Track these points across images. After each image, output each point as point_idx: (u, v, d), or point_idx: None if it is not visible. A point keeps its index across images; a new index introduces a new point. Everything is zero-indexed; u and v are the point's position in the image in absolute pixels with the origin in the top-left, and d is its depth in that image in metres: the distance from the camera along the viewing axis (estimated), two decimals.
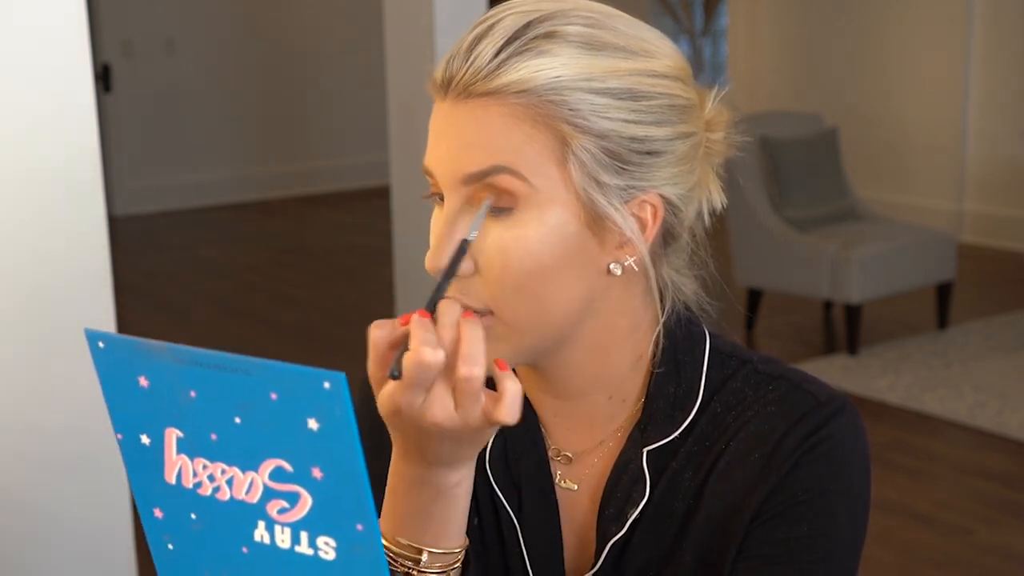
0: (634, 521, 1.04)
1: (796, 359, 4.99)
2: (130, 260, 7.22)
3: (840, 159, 5.64)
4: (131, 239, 7.90)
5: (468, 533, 1.07)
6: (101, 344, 0.83)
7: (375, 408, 1.03)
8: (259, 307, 6.36)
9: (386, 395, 0.88)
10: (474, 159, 0.94)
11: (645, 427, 1.04)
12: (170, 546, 0.87)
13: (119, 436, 0.86)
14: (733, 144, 1.05)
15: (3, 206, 2.30)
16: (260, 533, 0.82)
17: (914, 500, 3.89)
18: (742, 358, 1.06)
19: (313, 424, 0.77)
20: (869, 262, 5.13)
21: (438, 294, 0.89)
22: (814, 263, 5.21)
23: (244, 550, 0.84)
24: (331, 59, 9.31)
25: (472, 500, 1.08)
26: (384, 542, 0.95)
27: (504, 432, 1.09)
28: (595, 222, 0.96)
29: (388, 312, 5.19)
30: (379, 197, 8.41)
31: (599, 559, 1.05)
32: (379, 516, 0.96)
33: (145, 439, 0.85)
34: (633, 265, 0.99)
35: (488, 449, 1.09)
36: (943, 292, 5.45)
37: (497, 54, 0.94)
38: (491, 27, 0.95)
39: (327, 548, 0.80)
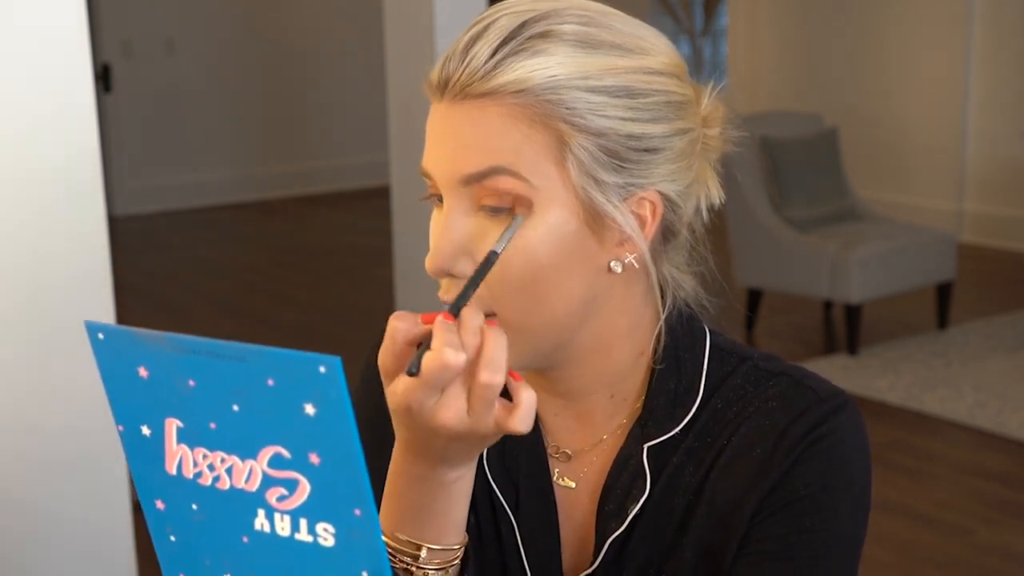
0: (634, 517, 1.04)
1: (796, 359, 4.99)
2: (130, 260, 7.22)
3: (840, 159, 5.64)
4: (131, 239, 7.90)
5: (466, 530, 1.07)
6: (101, 336, 0.83)
7: (375, 399, 1.03)
8: (259, 307, 6.36)
9: (399, 391, 0.87)
10: (472, 160, 0.95)
11: (645, 423, 1.04)
12: (172, 538, 0.88)
13: (120, 428, 0.86)
14: (730, 139, 1.05)
15: (3, 206, 2.30)
16: (260, 522, 0.83)
17: (914, 500, 3.89)
18: (742, 355, 1.06)
19: (310, 409, 0.77)
20: (869, 262, 5.13)
21: (462, 300, 0.89)
22: (814, 263, 5.21)
23: (245, 539, 0.84)
24: (331, 59, 9.31)
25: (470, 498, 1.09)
26: (383, 537, 0.95)
27: None
28: (594, 220, 0.96)
29: (387, 312, 5.19)
30: (379, 197, 8.41)
31: (598, 557, 1.05)
32: (378, 510, 0.96)
33: (146, 430, 0.85)
34: (633, 262, 0.99)
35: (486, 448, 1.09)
36: (943, 292, 5.45)
37: (493, 54, 0.94)
38: (486, 28, 0.95)
39: (326, 535, 0.81)
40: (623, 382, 1.05)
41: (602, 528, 1.05)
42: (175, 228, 8.35)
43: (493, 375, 0.85)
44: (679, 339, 1.06)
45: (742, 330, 5.65)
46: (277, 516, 0.82)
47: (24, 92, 2.30)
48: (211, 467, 0.83)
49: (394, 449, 0.94)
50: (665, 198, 0.99)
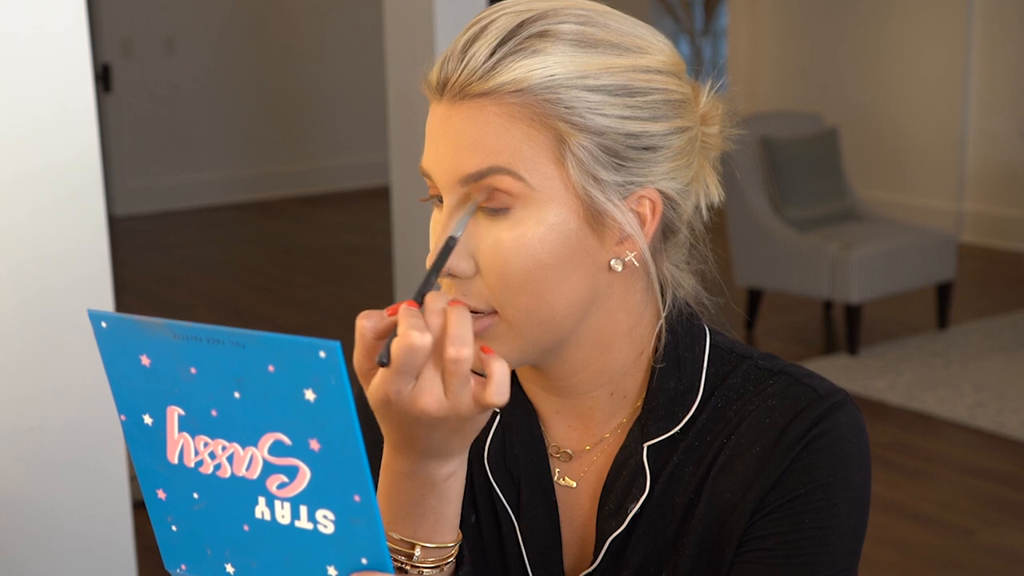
0: (634, 516, 1.04)
1: (796, 359, 4.99)
2: (130, 260, 7.23)
3: (840, 159, 5.64)
4: (131, 239, 7.90)
5: (466, 530, 1.07)
6: (104, 324, 0.84)
7: (366, 408, 1.03)
8: (259, 307, 6.36)
9: (375, 384, 0.88)
10: (472, 160, 0.95)
11: (645, 423, 1.04)
12: (174, 528, 0.88)
13: (122, 417, 0.86)
14: (729, 137, 1.06)
15: (3, 206, 2.30)
16: (261, 510, 0.83)
17: (914, 500, 3.89)
18: (742, 354, 1.07)
19: (310, 395, 0.77)
20: (869, 262, 5.13)
21: (425, 287, 0.89)
22: (814, 263, 5.21)
23: (245, 528, 0.84)
24: (331, 59, 9.31)
25: (470, 497, 1.09)
26: None
27: (503, 429, 1.09)
28: (594, 219, 0.97)
29: None
30: (379, 197, 8.42)
31: (598, 556, 1.05)
32: None
33: (148, 419, 0.85)
34: (634, 260, 0.99)
35: (487, 446, 1.09)
36: (943, 292, 5.45)
37: (492, 54, 0.94)
38: (484, 28, 0.95)
39: (326, 522, 0.81)
40: (623, 381, 1.05)
41: (602, 527, 1.05)
42: (175, 228, 8.35)
43: (459, 349, 0.85)
44: (679, 338, 1.06)
45: (742, 330, 5.65)
46: (277, 504, 0.82)
47: (24, 92, 2.30)
48: (212, 455, 0.84)
49: (383, 449, 0.94)
50: (665, 196, 1.00)
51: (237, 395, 0.80)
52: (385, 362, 0.85)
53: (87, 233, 2.38)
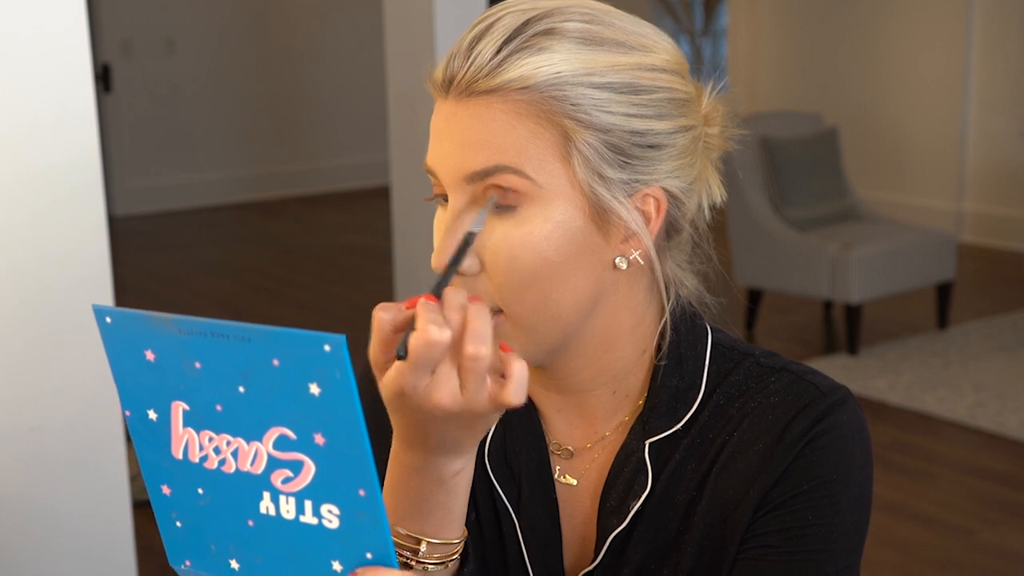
0: (636, 514, 1.04)
1: (796, 359, 4.95)
2: (130, 260, 7.22)
3: (840, 159, 5.64)
4: (131, 239, 7.90)
5: (467, 527, 1.07)
6: (108, 319, 0.84)
7: (374, 399, 1.03)
8: (259, 307, 6.37)
9: (390, 377, 0.87)
10: (477, 157, 0.95)
11: (647, 420, 1.05)
12: (178, 523, 0.88)
13: (127, 413, 0.86)
14: (730, 138, 1.06)
15: (3, 206, 2.30)
16: (265, 505, 0.83)
17: (914, 500, 3.89)
18: (744, 352, 1.07)
19: (315, 389, 0.77)
20: (869, 262, 5.13)
21: (444, 282, 0.89)
22: (814, 263, 5.21)
23: (250, 523, 0.84)
24: (331, 59, 9.31)
25: (470, 495, 1.09)
26: None
27: (504, 427, 1.09)
28: (599, 216, 0.97)
29: None
30: (379, 197, 8.41)
31: (599, 553, 1.05)
32: None
33: (152, 414, 0.85)
34: (638, 258, 1.00)
35: (487, 444, 1.09)
36: (943, 292, 5.45)
37: (498, 52, 0.94)
38: (490, 26, 0.96)
39: (331, 516, 0.81)
40: (626, 379, 1.05)
41: (604, 525, 1.05)
42: (175, 228, 8.35)
43: (479, 347, 0.85)
44: (681, 336, 1.06)
45: (742, 330, 5.65)
46: (282, 499, 0.82)
47: (24, 92, 2.30)
48: (217, 450, 0.83)
49: (392, 443, 0.94)
50: (669, 194, 1.00)
51: (242, 389, 0.80)
52: (402, 355, 0.85)
53: (87, 233, 2.38)
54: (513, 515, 1.08)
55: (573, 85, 0.94)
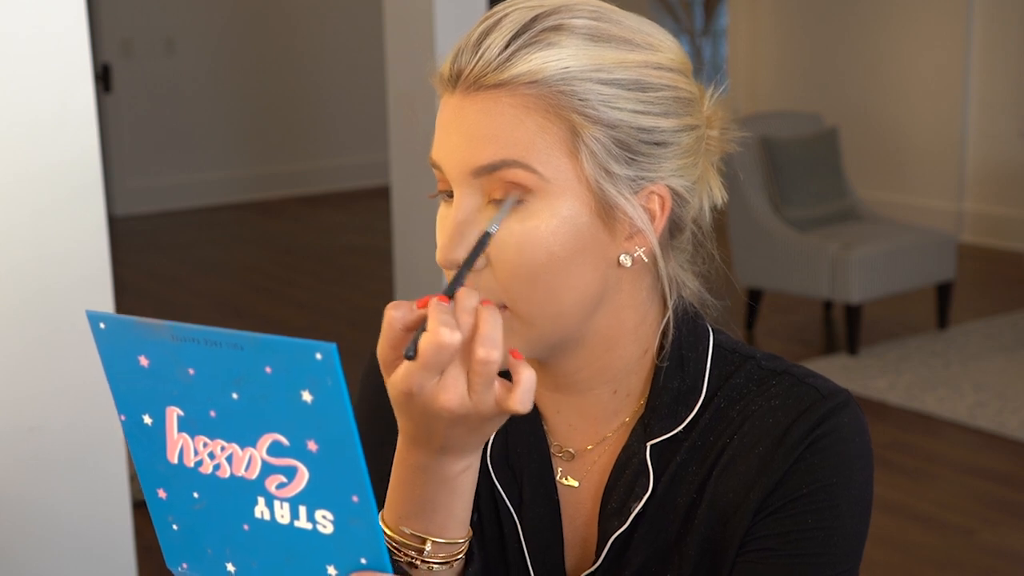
0: (636, 516, 1.04)
1: (796, 359, 4.99)
2: (130, 260, 7.23)
3: (840, 159, 5.64)
4: (131, 239, 7.90)
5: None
6: (102, 325, 0.84)
7: (373, 402, 1.03)
8: (259, 307, 6.37)
9: (399, 376, 0.87)
10: (485, 151, 0.95)
11: (648, 422, 1.05)
12: (174, 527, 0.88)
13: (122, 417, 0.87)
14: (731, 140, 1.06)
15: (3, 206, 2.30)
16: (260, 509, 0.84)
17: (914, 500, 3.89)
18: (745, 354, 1.07)
19: (307, 396, 0.78)
20: (869, 262, 5.13)
21: (457, 283, 0.89)
22: (814, 263, 5.21)
23: (245, 527, 0.85)
24: (331, 59, 9.31)
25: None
26: (388, 531, 0.95)
27: (506, 428, 1.09)
28: (605, 212, 0.97)
29: None
30: (379, 197, 8.41)
31: (600, 555, 1.05)
32: (382, 506, 0.96)
33: (147, 419, 0.86)
34: (643, 256, 1.00)
35: (489, 445, 1.09)
36: (943, 292, 5.45)
37: (506, 46, 0.95)
38: (498, 22, 0.96)
39: (325, 522, 0.82)
40: (627, 379, 1.05)
41: (604, 526, 1.05)
42: (175, 228, 8.35)
43: (490, 351, 0.85)
44: (683, 337, 1.06)
45: (742, 330, 5.65)
46: (277, 504, 0.83)
47: (24, 92, 2.30)
48: (211, 455, 0.84)
49: (397, 442, 0.94)
50: (674, 193, 1.00)
51: (235, 396, 0.80)
52: (412, 355, 0.85)
53: (87, 233, 2.38)
54: (515, 516, 1.08)
55: (581, 80, 0.95)
